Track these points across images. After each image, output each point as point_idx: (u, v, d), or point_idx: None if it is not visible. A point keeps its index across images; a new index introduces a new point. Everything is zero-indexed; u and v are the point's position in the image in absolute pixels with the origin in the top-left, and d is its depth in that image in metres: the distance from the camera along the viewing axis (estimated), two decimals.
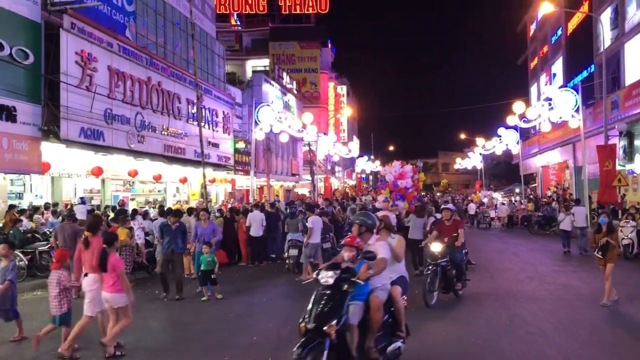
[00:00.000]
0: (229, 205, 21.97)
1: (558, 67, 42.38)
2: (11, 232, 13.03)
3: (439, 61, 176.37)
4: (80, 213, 14.40)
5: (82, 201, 16.37)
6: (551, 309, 9.34)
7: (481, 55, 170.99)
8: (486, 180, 59.09)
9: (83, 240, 7.32)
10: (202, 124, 24.42)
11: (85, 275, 7.14)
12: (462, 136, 67.08)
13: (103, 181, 20.59)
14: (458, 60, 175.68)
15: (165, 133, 21.20)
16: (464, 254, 11.00)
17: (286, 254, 13.74)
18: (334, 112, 56.32)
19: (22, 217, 14.26)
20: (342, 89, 60.43)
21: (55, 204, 16.27)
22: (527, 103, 48.85)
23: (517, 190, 52.46)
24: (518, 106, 28.42)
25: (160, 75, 20.95)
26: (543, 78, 47.49)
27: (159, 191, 25.70)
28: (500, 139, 40.85)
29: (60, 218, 14.26)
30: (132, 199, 23.34)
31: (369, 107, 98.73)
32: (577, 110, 24.77)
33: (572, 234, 17.39)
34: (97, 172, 17.78)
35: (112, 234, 8.26)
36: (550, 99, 25.40)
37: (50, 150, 15.79)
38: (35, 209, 15.84)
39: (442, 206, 12.29)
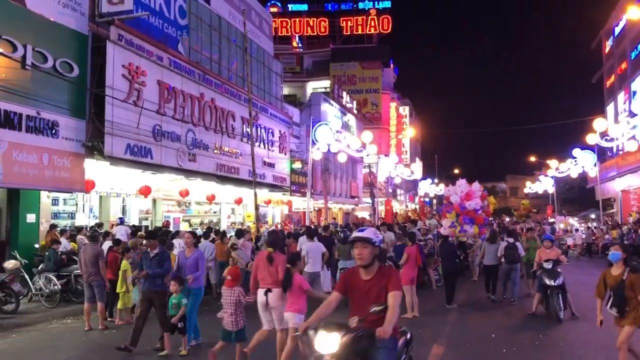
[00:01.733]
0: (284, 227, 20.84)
1: (638, 84, 39.31)
2: (47, 253, 12.30)
3: (507, 81, 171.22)
4: (120, 234, 13.57)
5: (122, 221, 15.60)
6: None
7: (553, 74, 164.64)
8: (558, 205, 55.55)
9: (266, 256, 7.25)
10: (257, 144, 23.69)
11: (269, 291, 7.10)
12: (532, 159, 63.74)
13: (154, 201, 19.96)
14: (528, 79, 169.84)
15: (218, 152, 20.36)
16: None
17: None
18: (395, 133, 54.72)
19: (61, 238, 13.59)
20: (405, 110, 58.81)
21: (100, 225, 15.55)
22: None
23: (593, 216, 48.86)
24: (599, 124, 26.01)
25: (213, 91, 20.21)
26: (621, 96, 44.26)
27: (214, 212, 24.96)
28: (575, 161, 37.94)
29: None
30: (186, 221, 22.67)
31: (433, 128, 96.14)
32: None
33: None
34: (146, 191, 17.07)
35: (296, 254, 8.03)
36: (636, 115, 23.05)
37: (95, 167, 15.19)
38: (79, 230, 15.19)
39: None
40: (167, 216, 20.18)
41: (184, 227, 21.00)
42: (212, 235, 14.29)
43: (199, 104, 19.19)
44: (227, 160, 21.12)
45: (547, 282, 10.33)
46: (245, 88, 21.15)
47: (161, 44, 17.18)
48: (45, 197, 15.02)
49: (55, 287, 11.74)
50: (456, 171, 73.95)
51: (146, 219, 19.96)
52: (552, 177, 49.06)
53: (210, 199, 20.84)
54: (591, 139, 26.29)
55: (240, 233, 14.40)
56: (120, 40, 15.01)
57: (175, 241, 12.66)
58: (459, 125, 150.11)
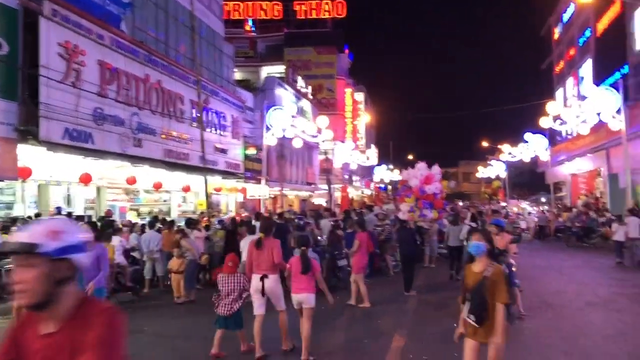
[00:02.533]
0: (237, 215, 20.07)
1: (586, 70, 40.05)
2: None
3: (459, 68, 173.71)
4: None
5: (59, 211, 14.54)
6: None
7: (503, 61, 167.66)
8: (509, 189, 56.61)
9: (256, 242, 7.22)
10: (208, 129, 22.78)
11: (265, 276, 7.07)
12: (485, 144, 64.64)
13: (98, 189, 18.85)
14: (479, 67, 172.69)
15: (166, 137, 19.37)
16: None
17: None
18: (351, 119, 54.36)
19: None
20: (360, 96, 58.46)
21: (38, 215, 14.44)
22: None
23: (543, 199, 49.96)
24: (552, 107, 26.20)
25: (160, 73, 19.17)
26: (570, 82, 45.14)
27: (164, 201, 23.92)
28: (527, 145, 38.47)
29: None
30: (134, 210, 21.60)
31: (387, 115, 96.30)
32: (617, 111, 22.57)
33: (625, 244, 16.21)
34: (86, 179, 15.99)
35: (306, 237, 8.27)
36: (586, 98, 23.24)
37: (31, 154, 14.05)
38: (14, 221, 14.05)
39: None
40: (112, 205, 19.09)
41: (132, 216, 20.00)
42: (158, 225, 13.46)
43: (144, 86, 18.15)
44: (175, 145, 20.16)
45: None
46: (195, 70, 20.22)
47: (102, 21, 16.05)
48: None
49: None
50: (410, 157, 74.52)
51: (92, 208, 18.86)
52: (504, 162, 49.81)
53: (158, 186, 19.85)
54: (544, 122, 26.44)
55: (190, 222, 13.62)
56: (55, 16, 13.85)
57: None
58: (413, 111, 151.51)
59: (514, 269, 8.92)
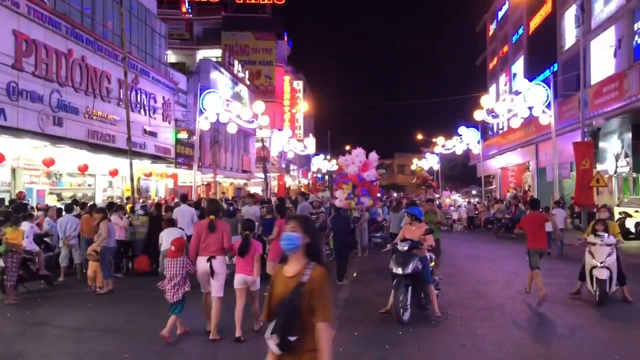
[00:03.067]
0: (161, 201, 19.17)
1: (519, 67, 41.39)
2: None
3: (395, 62, 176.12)
4: None
5: None
6: (568, 333, 7.20)
7: (439, 56, 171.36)
8: (442, 181, 57.88)
9: (208, 224, 7.15)
10: (137, 109, 21.72)
11: (213, 258, 7.04)
12: (419, 137, 65.77)
13: (13, 171, 17.47)
14: (415, 61, 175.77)
15: (88, 116, 18.18)
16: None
17: None
18: (289, 107, 53.80)
19: None
20: (299, 84, 57.99)
21: None
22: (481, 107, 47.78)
23: (474, 192, 51.33)
24: (486, 100, 26.64)
25: (84, 48, 17.96)
26: (502, 78, 46.53)
27: (88, 185, 22.57)
28: (461, 138, 39.24)
29: None
30: (56, 194, 20.22)
31: (325, 105, 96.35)
32: (548, 106, 23.19)
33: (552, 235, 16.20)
34: None
35: (251, 221, 8.47)
36: (520, 93, 23.74)
37: None
38: None
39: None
40: (29, 188, 17.76)
41: (52, 200, 18.69)
42: (78, 209, 12.52)
43: (67, 62, 16.94)
44: (100, 126, 19.01)
45: (394, 269, 7.96)
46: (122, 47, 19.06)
47: None
48: None
49: None
50: (347, 147, 74.81)
51: (8, 191, 17.46)
52: (437, 154, 50.74)
53: (83, 169, 18.64)
54: (478, 115, 26.90)
55: (111, 207, 12.72)
56: None
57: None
58: (351, 102, 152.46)
59: (432, 264, 8.61)
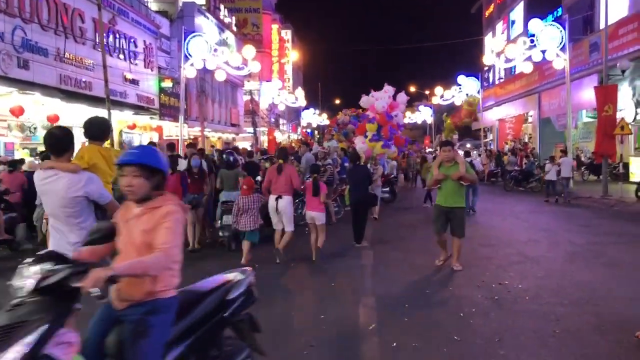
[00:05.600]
0: None
1: (518, 13, 39.33)
2: None
3: (389, 10, 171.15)
4: None
5: None
6: None
7: (431, 3, 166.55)
8: (434, 136, 56.39)
9: (277, 167, 8.17)
10: (115, 54, 19.59)
11: (280, 197, 8.07)
12: (412, 89, 63.81)
13: None
14: (409, 9, 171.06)
15: (58, 59, 16.05)
16: None
17: (219, 222, 9.47)
18: (277, 58, 51.32)
19: None
20: (287, 34, 55.33)
21: None
22: (480, 55, 45.88)
23: (469, 145, 49.93)
24: (496, 43, 24.74)
25: None
26: (499, 26, 44.43)
27: None
28: (460, 88, 37.37)
29: None
30: (30, 149, 18.27)
31: (315, 56, 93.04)
32: (562, 49, 21.42)
33: (556, 183, 17.19)
34: None
35: (317, 165, 9.56)
36: (533, 35, 21.87)
37: None
38: None
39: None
40: None
41: (23, 154, 16.77)
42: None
43: None
44: (74, 71, 16.90)
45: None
46: None
47: None
48: None
49: None
50: (337, 101, 72.65)
51: None
52: (430, 107, 48.95)
53: (53, 119, 16.63)
54: (487, 59, 25.06)
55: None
56: None
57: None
58: (341, 53, 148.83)
59: None
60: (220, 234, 9.39)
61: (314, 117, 58.90)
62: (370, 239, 9.83)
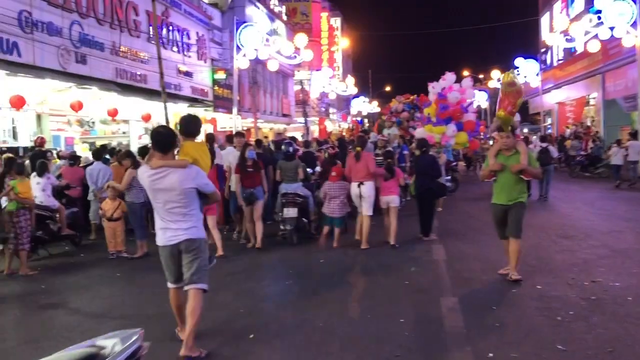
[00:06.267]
0: None
1: None
2: None
3: None
4: None
5: None
6: None
7: None
8: (489, 121, 54.58)
9: (355, 155, 8.49)
10: (169, 47, 19.59)
11: (362, 184, 8.33)
12: (465, 73, 61.96)
13: (39, 117, 15.74)
14: None
15: (112, 52, 16.04)
16: None
17: (279, 214, 9.12)
18: (327, 46, 50.75)
19: None
20: (336, 22, 54.63)
21: None
22: (537, 36, 43.92)
23: (526, 130, 48.07)
24: (561, 21, 23.43)
25: None
26: (558, 5, 42.30)
27: (123, 133, 20.80)
28: (518, 71, 35.82)
29: None
30: (85, 143, 18.52)
31: (364, 43, 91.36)
32: (633, 25, 20.02)
33: (622, 167, 16.80)
34: (18, 102, 12.86)
35: (391, 152, 10.26)
36: (600, 12, 20.56)
37: None
38: None
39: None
40: (56, 136, 16.05)
41: (83, 149, 16.97)
42: (107, 156, 10.63)
43: None
44: (130, 65, 16.95)
45: None
46: None
47: None
48: None
49: None
50: (388, 88, 71.46)
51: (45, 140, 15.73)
52: (486, 91, 47.40)
53: (112, 113, 16.74)
54: (550, 38, 23.78)
55: (145, 151, 10.63)
56: None
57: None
58: (390, 38, 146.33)
59: None
60: (282, 227, 9.04)
61: (364, 105, 58.15)
62: (437, 232, 9.30)
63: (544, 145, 14.37)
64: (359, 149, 8.57)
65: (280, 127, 39.58)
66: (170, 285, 4.62)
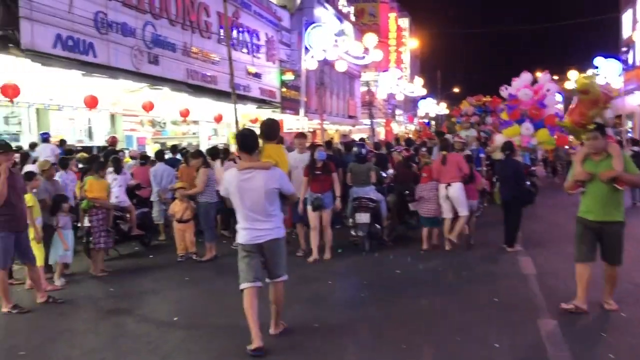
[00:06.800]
0: None
1: None
2: None
3: None
4: (46, 156, 9.81)
5: (45, 137, 11.67)
6: None
7: None
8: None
9: (441, 158, 8.44)
10: (239, 48, 19.59)
11: (449, 185, 8.23)
12: (539, 74, 59.40)
13: (113, 117, 16.08)
14: None
15: (185, 54, 16.14)
16: None
17: (350, 220, 8.66)
18: (395, 47, 49.95)
19: None
20: (404, 22, 53.76)
21: (34, 145, 11.67)
22: (618, 34, 41.40)
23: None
24: None
25: None
26: None
27: (193, 133, 21.04)
28: (597, 71, 33.79)
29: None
30: (156, 143, 18.80)
31: (432, 42, 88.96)
32: None
33: None
34: (91, 102, 13.13)
35: (471, 156, 9.65)
36: None
37: (18, 67, 11.22)
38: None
39: None
40: (129, 136, 16.33)
41: (154, 149, 17.17)
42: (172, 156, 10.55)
43: None
44: (200, 66, 17.06)
45: None
46: None
47: None
48: None
49: None
50: (456, 90, 69.60)
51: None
52: (561, 93, 45.14)
53: (184, 114, 16.90)
54: (636, 35, 22.16)
55: (215, 152, 10.44)
56: None
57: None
58: (459, 38, 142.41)
59: None
60: (353, 233, 8.60)
61: (432, 107, 56.84)
62: (522, 242, 8.58)
63: (636, 149, 13.19)
64: (444, 152, 8.50)
65: (345, 129, 39.21)
66: (246, 284, 4.61)
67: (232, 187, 4.64)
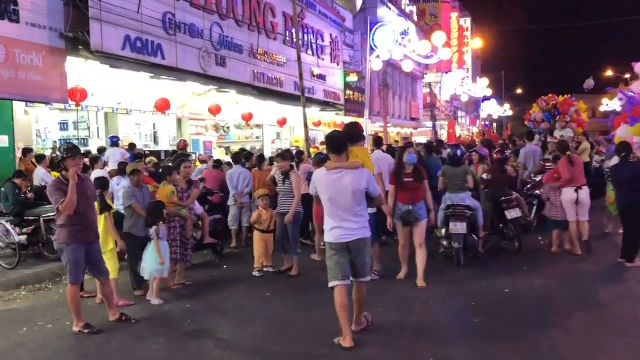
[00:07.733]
0: None
1: None
2: (2, 189, 8.28)
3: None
4: (114, 160, 9.46)
5: (114, 142, 11.33)
6: None
7: None
8: None
9: (567, 159, 8.00)
10: (303, 49, 19.02)
11: (579, 188, 7.83)
12: (609, 72, 56.17)
13: (179, 121, 15.82)
14: None
15: (250, 54, 15.65)
16: None
17: (442, 230, 7.79)
18: (457, 47, 48.40)
19: (39, 167, 9.59)
20: (466, 22, 52.07)
21: (102, 149, 11.41)
22: None
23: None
24: None
25: None
26: None
27: (256, 137, 20.63)
28: None
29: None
30: (224, 147, 18.47)
31: (494, 42, 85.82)
32: None
33: None
34: (163, 105, 12.83)
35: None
36: None
37: (86, 70, 11.00)
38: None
39: None
40: (194, 140, 16.01)
41: (219, 153, 16.84)
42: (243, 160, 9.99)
43: None
44: (266, 67, 16.55)
45: None
46: None
47: None
48: (22, 113, 11.02)
49: (14, 238, 7.75)
50: (519, 90, 66.93)
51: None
52: (633, 93, 42.37)
53: (247, 118, 16.45)
54: None
55: (286, 155, 9.74)
56: None
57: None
58: (523, 36, 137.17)
59: None
60: (444, 243, 7.74)
61: (495, 108, 54.79)
62: None
63: None
64: (569, 153, 8.12)
65: (406, 131, 38.14)
66: (335, 282, 4.66)
67: (321, 186, 4.71)
